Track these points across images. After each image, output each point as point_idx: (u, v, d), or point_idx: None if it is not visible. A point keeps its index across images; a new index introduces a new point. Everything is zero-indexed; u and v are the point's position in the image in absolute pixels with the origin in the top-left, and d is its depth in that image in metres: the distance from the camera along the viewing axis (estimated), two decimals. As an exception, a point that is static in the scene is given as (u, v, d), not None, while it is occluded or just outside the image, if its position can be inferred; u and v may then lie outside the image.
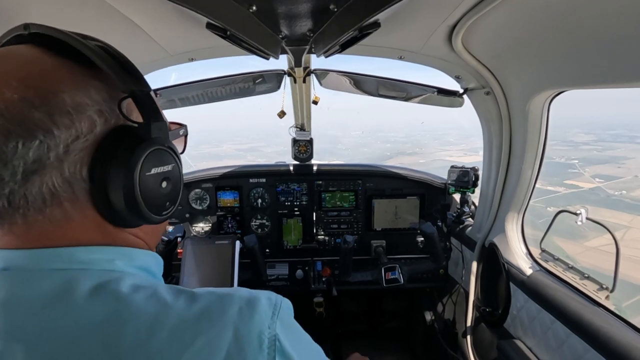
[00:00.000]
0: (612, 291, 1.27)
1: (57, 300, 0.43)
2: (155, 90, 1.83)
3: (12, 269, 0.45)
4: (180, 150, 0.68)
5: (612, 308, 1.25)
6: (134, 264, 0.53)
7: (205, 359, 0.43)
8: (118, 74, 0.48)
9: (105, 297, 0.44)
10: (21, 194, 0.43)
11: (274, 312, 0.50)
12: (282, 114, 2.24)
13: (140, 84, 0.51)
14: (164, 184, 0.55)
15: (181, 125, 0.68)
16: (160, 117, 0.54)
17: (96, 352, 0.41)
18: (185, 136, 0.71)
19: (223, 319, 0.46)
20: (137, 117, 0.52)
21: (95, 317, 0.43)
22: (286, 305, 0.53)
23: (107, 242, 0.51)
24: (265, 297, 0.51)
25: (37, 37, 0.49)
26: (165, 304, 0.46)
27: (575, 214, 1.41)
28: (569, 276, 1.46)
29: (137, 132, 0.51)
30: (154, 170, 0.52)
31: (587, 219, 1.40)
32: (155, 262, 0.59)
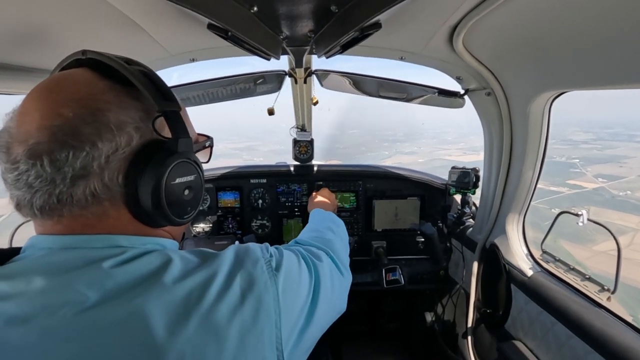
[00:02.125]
0: (613, 292, 1.27)
1: (115, 264, 0.52)
2: None
3: (68, 248, 0.54)
4: (205, 160, 0.82)
5: (614, 309, 1.25)
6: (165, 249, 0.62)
7: (227, 287, 0.55)
8: (154, 95, 0.57)
9: (146, 256, 0.55)
10: (68, 194, 0.52)
11: (261, 248, 0.67)
12: (271, 111, 2.20)
13: (171, 104, 0.60)
14: (187, 192, 0.64)
15: (207, 137, 0.79)
16: (186, 134, 0.62)
17: (148, 284, 0.51)
18: (211, 147, 0.82)
19: (229, 258, 0.61)
20: (168, 132, 0.61)
21: (143, 264, 0.54)
22: (267, 245, 0.71)
23: (140, 234, 0.60)
24: (253, 244, 0.68)
25: (91, 61, 0.60)
26: (186, 257, 0.59)
27: (577, 215, 1.41)
28: (570, 277, 1.46)
29: (166, 147, 0.60)
30: (178, 180, 0.61)
31: (588, 220, 1.40)
32: (176, 249, 0.68)
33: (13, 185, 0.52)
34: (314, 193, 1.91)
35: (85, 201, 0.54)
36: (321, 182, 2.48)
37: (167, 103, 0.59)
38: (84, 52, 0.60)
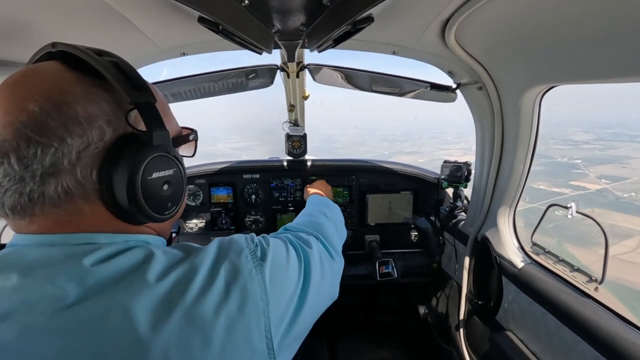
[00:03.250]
0: (600, 283, 1.30)
1: (96, 262, 0.51)
2: None
3: (46, 245, 0.52)
4: (190, 154, 0.79)
5: (601, 299, 1.28)
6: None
7: (211, 280, 0.55)
8: (125, 87, 0.55)
9: (129, 250, 0.54)
10: (39, 192, 0.50)
11: (246, 238, 0.67)
12: (292, 108, 2.24)
13: (145, 96, 0.57)
14: (165, 187, 0.61)
15: (192, 130, 0.77)
16: (162, 126, 0.60)
17: (129, 280, 0.51)
18: (196, 140, 0.79)
19: (212, 250, 0.60)
20: (137, 123, 0.58)
21: (125, 260, 0.53)
22: (253, 235, 0.69)
23: (121, 232, 0.59)
24: (236, 235, 0.68)
25: (61, 53, 0.57)
26: (170, 251, 0.59)
27: (566, 207, 1.43)
28: (559, 269, 1.48)
29: (141, 140, 0.57)
30: (155, 175, 0.59)
31: (576, 212, 1.42)
32: (163, 245, 0.67)
33: None
34: (307, 185, 1.91)
35: (57, 199, 0.52)
36: (314, 177, 2.48)
37: (140, 94, 0.56)
38: (53, 44, 0.58)
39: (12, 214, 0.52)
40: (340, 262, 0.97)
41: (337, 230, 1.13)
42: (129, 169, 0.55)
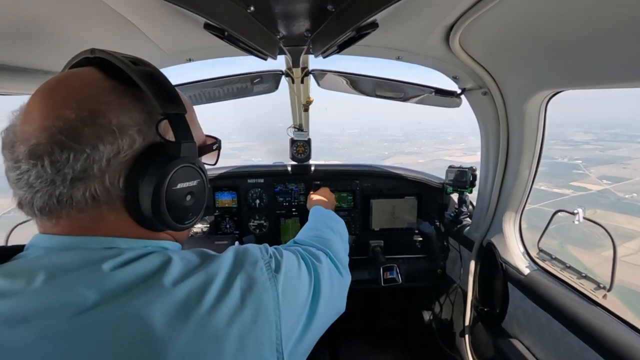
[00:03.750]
0: (609, 290, 1.28)
1: (115, 267, 0.52)
2: None
3: (68, 249, 0.54)
4: (212, 162, 0.82)
5: (609, 307, 1.26)
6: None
7: (227, 288, 0.55)
8: (158, 97, 0.56)
9: (147, 256, 0.55)
10: (68, 196, 0.52)
11: (261, 249, 0.67)
12: (308, 103, 2.25)
13: (176, 107, 0.59)
14: (188, 198, 0.63)
15: (216, 140, 0.78)
16: (190, 138, 0.61)
17: (146, 286, 0.51)
18: (219, 149, 0.80)
19: (229, 259, 0.61)
20: (172, 136, 0.60)
21: (142, 265, 0.53)
22: (267, 246, 0.70)
23: (141, 238, 0.60)
24: (251, 244, 0.68)
25: (99, 60, 0.59)
26: (187, 257, 0.59)
27: (573, 213, 1.42)
28: (566, 275, 1.47)
29: (168, 151, 0.59)
30: (179, 185, 0.60)
31: (584, 218, 1.41)
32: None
33: (15, 184, 0.53)
34: (311, 192, 1.93)
35: (84, 204, 0.53)
36: (318, 182, 2.48)
37: (172, 106, 0.58)
38: (92, 50, 0.59)
39: (40, 214, 0.53)
40: (347, 278, 0.99)
41: (343, 245, 1.16)
42: (155, 178, 0.56)
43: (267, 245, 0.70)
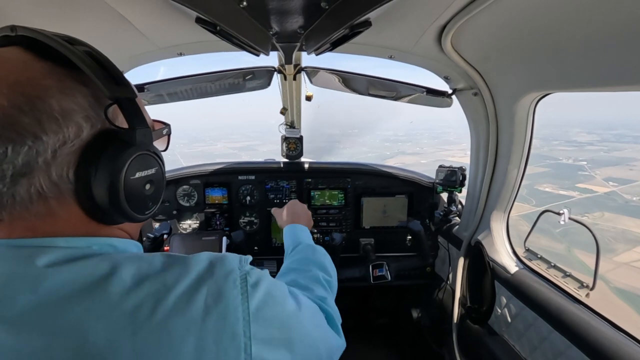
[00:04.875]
0: (592, 289, 1.31)
1: (53, 263, 0.47)
2: (143, 85, 1.80)
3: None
4: (162, 149, 0.72)
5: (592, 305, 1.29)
6: (115, 252, 0.56)
7: (188, 299, 0.49)
8: (103, 80, 0.50)
9: (91, 258, 0.49)
10: (9, 195, 0.46)
11: (240, 259, 0.59)
12: (284, 111, 2.25)
13: (125, 90, 0.53)
14: (148, 186, 0.59)
15: (165, 124, 0.72)
16: (144, 123, 0.57)
17: (86, 300, 0.45)
18: (169, 135, 0.74)
19: (198, 266, 0.54)
20: (122, 121, 0.55)
21: (84, 271, 0.47)
22: (248, 257, 0.62)
23: (89, 235, 0.54)
24: (231, 254, 0.60)
25: (24, 39, 0.50)
26: (146, 259, 0.52)
27: (558, 213, 1.45)
28: (551, 274, 1.50)
29: (123, 138, 0.54)
30: (138, 174, 0.56)
31: (569, 218, 1.43)
32: (137, 250, 0.62)
33: None
34: (277, 210, 1.52)
35: (29, 201, 0.47)
36: (310, 179, 2.48)
37: (120, 89, 0.52)
38: (12, 27, 0.50)
39: None
40: (343, 343, 0.92)
41: (332, 289, 1.10)
42: (111, 168, 0.51)
43: (250, 257, 0.62)
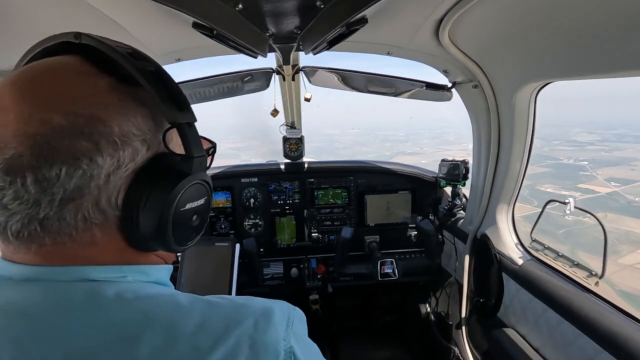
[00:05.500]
0: (601, 277, 1.30)
1: (83, 305, 0.43)
2: None
3: (30, 280, 0.45)
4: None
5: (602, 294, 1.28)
6: (148, 280, 0.52)
7: None
8: (167, 103, 0.47)
9: (124, 303, 0.44)
10: (54, 220, 0.43)
11: (287, 324, 0.49)
12: (275, 113, 2.24)
13: (187, 115, 0.50)
14: (194, 217, 0.54)
15: (211, 143, 0.66)
16: (201, 150, 0.52)
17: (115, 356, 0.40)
18: (213, 154, 0.67)
19: (239, 329, 0.45)
20: (175, 144, 0.51)
21: (114, 322, 0.42)
22: (299, 316, 0.53)
23: (124, 263, 0.50)
24: (279, 309, 0.50)
25: (87, 48, 0.47)
26: (182, 311, 0.45)
27: (564, 203, 1.44)
28: (559, 264, 1.49)
29: (179, 166, 0.50)
30: (188, 206, 0.52)
31: (575, 207, 1.43)
32: (167, 274, 0.59)
33: None
34: None
35: (74, 227, 0.44)
36: (312, 180, 2.48)
37: (182, 114, 0.49)
38: (77, 35, 0.47)
39: (15, 240, 0.43)
40: None
41: None
42: (163, 198, 0.48)
43: (302, 317, 0.54)
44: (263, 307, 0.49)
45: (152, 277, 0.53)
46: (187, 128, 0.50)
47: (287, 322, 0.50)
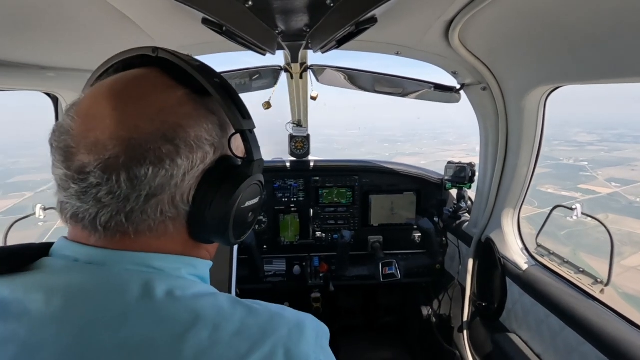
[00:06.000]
0: (607, 285, 1.29)
1: (137, 297, 0.46)
2: None
3: (94, 264, 0.49)
4: None
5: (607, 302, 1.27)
6: (195, 273, 0.58)
7: None
8: (234, 111, 0.54)
9: (174, 301, 0.47)
10: (138, 213, 0.48)
11: (316, 338, 0.53)
12: (267, 105, 2.20)
13: (249, 122, 0.57)
14: (250, 214, 0.61)
15: None
16: (259, 154, 0.59)
17: (161, 354, 0.42)
18: None
19: (275, 337, 0.48)
20: (236, 149, 0.58)
21: (163, 317, 0.45)
22: (325, 331, 0.57)
23: (181, 253, 0.56)
24: (310, 322, 0.54)
25: (160, 60, 0.54)
26: (225, 313, 0.48)
27: (571, 209, 1.42)
28: (564, 270, 1.47)
29: (241, 168, 0.57)
30: (247, 204, 0.58)
31: (582, 214, 1.41)
32: (207, 271, 0.63)
33: (75, 197, 0.47)
34: None
35: (153, 220, 0.50)
36: (318, 178, 2.48)
37: (246, 122, 0.56)
38: (154, 49, 0.55)
39: (103, 230, 0.48)
40: None
41: None
42: (229, 196, 0.54)
43: (327, 333, 0.57)
44: (296, 318, 0.53)
45: (199, 271, 0.59)
46: (249, 134, 0.57)
47: (317, 336, 0.53)
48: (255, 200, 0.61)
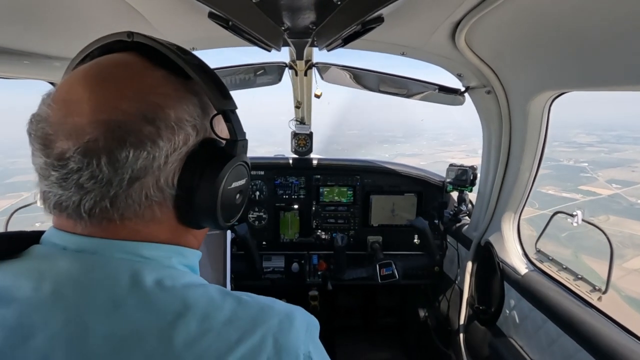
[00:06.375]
0: (604, 292, 1.28)
1: (127, 285, 0.46)
2: None
3: (84, 252, 0.49)
4: None
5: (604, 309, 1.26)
6: (185, 262, 0.58)
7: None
8: (214, 92, 0.54)
9: (165, 290, 0.47)
10: (123, 197, 0.48)
11: (306, 329, 0.53)
12: (299, 104, 2.26)
13: (230, 103, 0.56)
14: (238, 196, 0.61)
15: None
16: (243, 134, 0.58)
17: (151, 343, 0.43)
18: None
19: (264, 327, 0.48)
20: (220, 131, 0.57)
21: (153, 307, 0.45)
22: (315, 324, 0.57)
23: (171, 241, 0.56)
24: (300, 314, 0.54)
25: (139, 46, 0.54)
26: (215, 304, 0.48)
27: (572, 215, 1.42)
28: (562, 277, 1.47)
29: (225, 149, 0.57)
30: (234, 184, 0.58)
31: (582, 220, 1.41)
32: (197, 261, 0.63)
33: (57, 184, 0.46)
34: None
35: (138, 204, 0.49)
36: (319, 176, 2.48)
37: (226, 101, 0.55)
38: (129, 34, 0.54)
39: (87, 217, 0.48)
40: None
41: None
42: (214, 177, 0.53)
43: (318, 327, 0.57)
44: (286, 310, 0.53)
45: (189, 260, 0.59)
46: (230, 114, 0.56)
47: (307, 328, 0.53)
48: (242, 182, 0.60)
